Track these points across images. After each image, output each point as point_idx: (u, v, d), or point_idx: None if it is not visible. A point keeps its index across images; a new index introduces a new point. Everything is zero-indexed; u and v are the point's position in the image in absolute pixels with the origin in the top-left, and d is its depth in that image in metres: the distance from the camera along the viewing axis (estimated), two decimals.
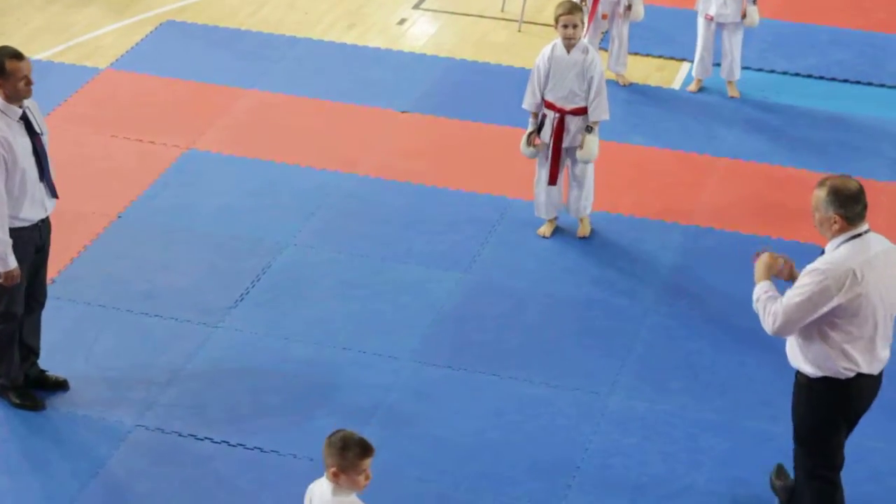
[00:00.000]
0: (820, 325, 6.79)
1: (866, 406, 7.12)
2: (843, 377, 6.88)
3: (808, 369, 6.96)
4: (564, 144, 9.70)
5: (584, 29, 9.73)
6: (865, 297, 6.69)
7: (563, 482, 7.95)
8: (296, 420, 8.34)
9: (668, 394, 8.62)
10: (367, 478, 6.07)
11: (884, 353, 6.95)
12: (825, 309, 6.69)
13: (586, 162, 9.73)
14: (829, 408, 7.02)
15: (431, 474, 7.99)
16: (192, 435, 8.22)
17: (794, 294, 6.72)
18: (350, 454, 6.00)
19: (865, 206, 6.77)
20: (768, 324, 6.84)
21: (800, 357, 7.00)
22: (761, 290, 6.91)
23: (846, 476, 7.48)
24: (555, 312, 9.33)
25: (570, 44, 9.51)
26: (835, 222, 6.72)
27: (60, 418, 8.31)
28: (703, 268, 9.78)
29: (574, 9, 9.50)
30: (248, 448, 8.14)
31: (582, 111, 9.60)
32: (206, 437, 8.21)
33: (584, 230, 10.00)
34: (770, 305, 6.82)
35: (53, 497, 7.77)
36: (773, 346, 9.03)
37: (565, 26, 9.48)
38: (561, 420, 8.40)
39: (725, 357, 8.92)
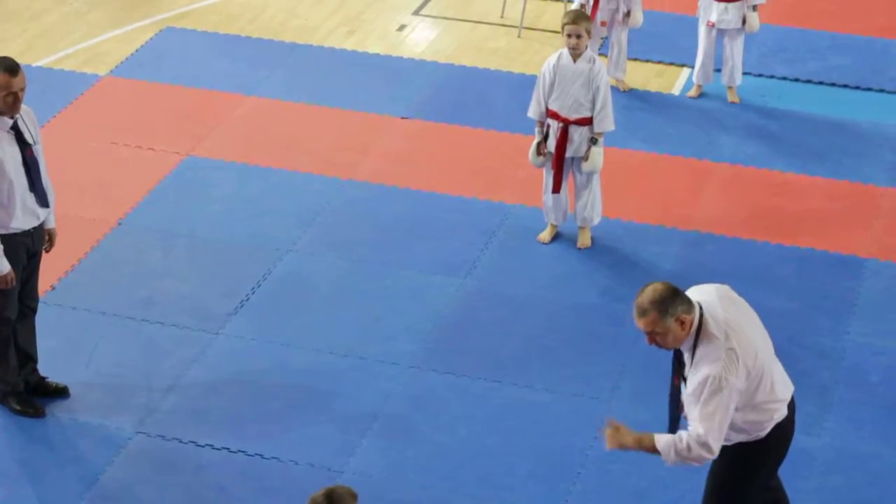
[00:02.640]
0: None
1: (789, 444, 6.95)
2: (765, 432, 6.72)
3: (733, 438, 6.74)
4: (568, 154, 9.70)
5: (590, 38, 9.70)
6: (748, 355, 6.50)
7: (564, 488, 7.95)
8: (296, 426, 8.34)
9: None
10: None
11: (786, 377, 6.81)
12: (735, 403, 6.51)
13: (591, 173, 9.74)
14: (759, 464, 6.88)
15: (432, 480, 7.99)
16: (192, 442, 8.22)
17: (706, 413, 6.46)
18: None
19: (681, 295, 6.51)
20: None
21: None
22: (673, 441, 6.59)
23: (846, 479, 7.49)
24: (555, 318, 9.33)
25: (575, 53, 9.51)
26: (682, 322, 6.46)
27: (61, 425, 8.31)
28: (702, 273, 9.75)
29: (579, 18, 9.47)
30: (248, 455, 8.14)
31: (586, 121, 9.60)
32: (206, 444, 8.20)
33: (584, 241, 9.98)
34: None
35: None
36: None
37: (569, 36, 9.47)
38: (561, 426, 8.40)
39: None
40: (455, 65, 12.52)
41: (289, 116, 11.63)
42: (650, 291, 6.47)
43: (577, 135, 9.63)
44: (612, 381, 8.76)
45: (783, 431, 6.77)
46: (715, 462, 6.84)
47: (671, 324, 6.44)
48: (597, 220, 9.95)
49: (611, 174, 10.53)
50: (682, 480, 7.99)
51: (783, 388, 6.73)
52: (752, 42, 12.43)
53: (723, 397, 6.41)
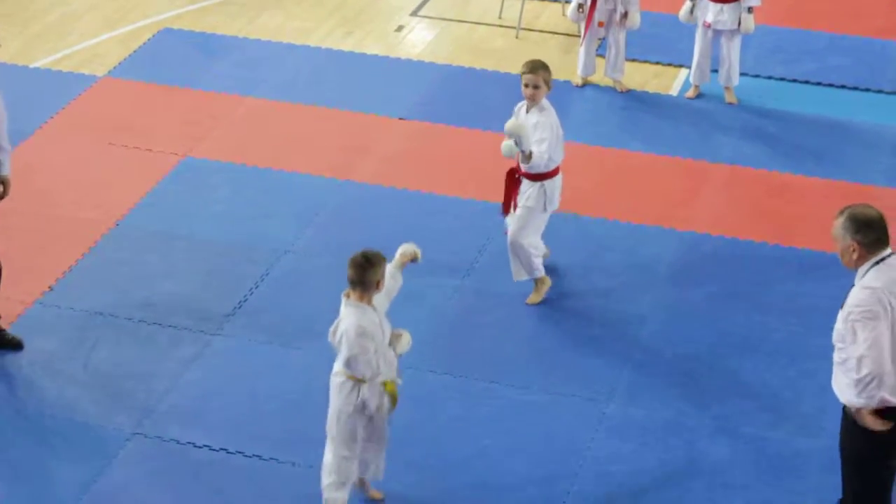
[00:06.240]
0: None
1: None
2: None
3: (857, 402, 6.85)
4: (517, 199, 9.36)
5: (549, 89, 9.18)
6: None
7: (562, 489, 7.95)
8: (294, 427, 8.34)
9: (666, 400, 8.62)
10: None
11: None
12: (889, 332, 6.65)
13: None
14: (880, 435, 6.90)
15: (429, 481, 7.98)
16: (190, 443, 8.22)
17: (862, 337, 6.67)
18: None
19: (885, 233, 6.72)
20: (861, 375, 6.75)
21: (847, 391, 6.90)
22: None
23: None
24: (552, 319, 9.33)
25: (529, 104, 9.20)
26: (853, 250, 6.73)
27: (58, 426, 8.31)
28: (700, 274, 9.77)
29: (536, 68, 9.07)
30: (246, 455, 8.13)
31: (533, 177, 9.20)
32: (204, 445, 8.20)
33: (532, 298, 9.55)
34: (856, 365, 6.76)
35: None
36: (771, 352, 9.04)
37: (526, 86, 9.11)
38: (559, 427, 8.40)
39: (723, 363, 8.92)
40: (453, 65, 12.53)
41: (287, 117, 11.63)
42: (871, 210, 6.76)
43: (523, 186, 9.25)
44: (608, 382, 8.76)
45: None
46: (845, 430, 6.99)
47: (845, 242, 6.75)
48: (528, 277, 9.53)
49: (609, 175, 10.54)
50: (680, 482, 7.99)
51: None
52: (750, 43, 12.44)
53: (872, 323, 6.62)
